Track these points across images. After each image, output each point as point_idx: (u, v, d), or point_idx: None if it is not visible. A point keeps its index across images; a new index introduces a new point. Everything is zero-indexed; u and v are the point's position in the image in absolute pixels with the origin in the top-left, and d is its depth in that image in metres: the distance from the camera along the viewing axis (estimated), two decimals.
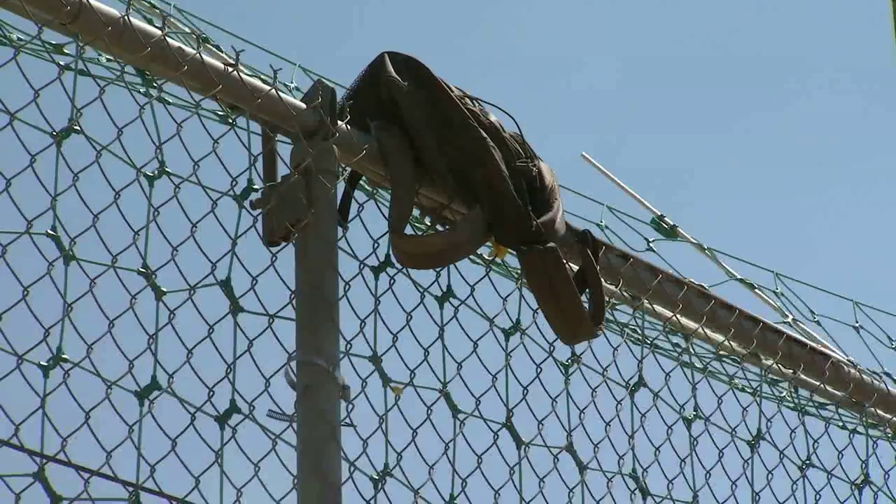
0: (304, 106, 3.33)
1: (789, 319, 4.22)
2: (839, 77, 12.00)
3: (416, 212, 3.57)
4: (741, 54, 11.85)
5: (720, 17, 11.97)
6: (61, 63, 3.20)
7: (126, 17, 3.12)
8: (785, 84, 12.00)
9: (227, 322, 3.23)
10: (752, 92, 12.01)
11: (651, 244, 4.15)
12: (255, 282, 3.28)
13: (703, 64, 12.32)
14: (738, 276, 4.27)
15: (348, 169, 3.45)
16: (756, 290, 4.14)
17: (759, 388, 4.31)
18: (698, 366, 4.16)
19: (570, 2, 11.83)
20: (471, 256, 3.59)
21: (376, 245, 3.46)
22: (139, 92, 3.27)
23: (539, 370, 3.73)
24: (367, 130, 3.44)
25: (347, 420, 3.37)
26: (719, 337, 4.12)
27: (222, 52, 3.41)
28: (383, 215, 3.48)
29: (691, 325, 4.06)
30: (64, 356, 2.95)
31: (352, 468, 3.37)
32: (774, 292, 4.35)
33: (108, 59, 3.29)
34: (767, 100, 12.13)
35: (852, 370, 4.37)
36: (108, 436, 3.08)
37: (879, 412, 4.45)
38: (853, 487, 4.49)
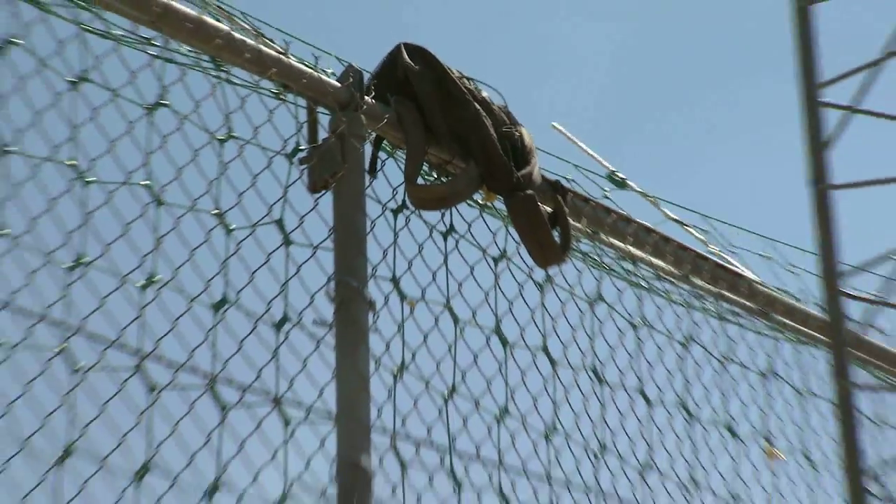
0: (338, 84, 3.37)
1: (714, 249, 4.29)
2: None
3: (425, 167, 3.61)
4: None
5: None
6: (151, 52, 3.21)
7: (202, 17, 3.16)
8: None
9: (281, 252, 3.27)
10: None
11: (606, 193, 4.16)
12: (301, 221, 3.33)
13: None
14: (674, 217, 4.27)
15: (374, 133, 3.48)
16: (686, 228, 4.25)
17: (689, 302, 4.34)
18: (644, 285, 4.20)
19: None
20: (467, 201, 3.64)
21: (395, 192, 3.50)
22: (211, 74, 3.31)
23: (521, 289, 3.77)
24: (388, 104, 3.49)
25: (374, 327, 3.40)
26: (661, 262, 4.16)
27: (274, 43, 3.40)
28: (400, 169, 3.53)
29: (638, 253, 4.10)
30: (154, 279, 3.02)
31: (377, 364, 3.43)
32: (702, 229, 4.36)
33: (189, 49, 3.31)
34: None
35: (761, 287, 4.40)
36: (191, 340, 3.16)
37: (783, 318, 4.48)
38: (761, 376, 4.51)
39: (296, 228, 3.30)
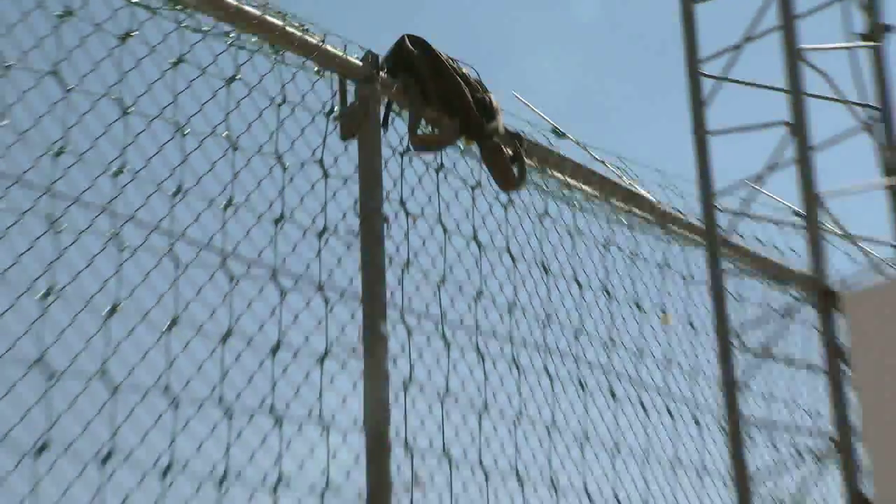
0: (360, 64, 3.37)
1: (626, 180, 4.19)
2: None
3: (423, 122, 3.57)
4: None
5: None
6: (228, 41, 3.23)
7: (263, 16, 3.17)
8: None
9: (321, 183, 3.28)
10: None
11: (550, 142, 4.04)
12: (335, 161, 3.34)
13: None
14: (598, 158, 4.18)
15: (386, 99, 3.45)
16: (607, 165, 4.17)
17: (609, 216, 4.22)
18: (577, 205, 4.11)
19: None
20: (452, 146, 3.63)
21: (401, 140, 3.50)
22: (272, 59, 3.29)
23: (490, 207, 3.75)
24: (396, 77, 3.48)
25: (388, 234, 3.39)
26: (588, 188, 4.09)
27: (315, 35, 3.34)
28: (405, 124, 3.51)
29: (573, 182, 4.02)
30: (232, 202, 3.08)
31: (390, 262, 3.40)
32: (619, 167, 4.24)
33: (254, 41, 3.28)
34: None
35: (659, 205, 4.28)
36: (262, 241, 3.19)
37: (674, 227, 4.36)
38: (658, 267, 4.35)
39: (332, 166, 3.34)
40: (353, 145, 3.36)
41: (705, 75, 4.05)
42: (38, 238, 2.62)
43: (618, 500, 3.81)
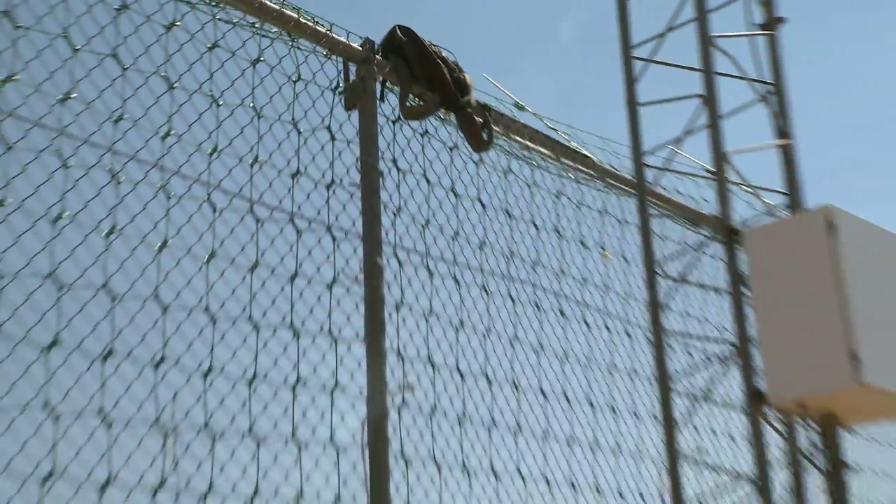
0: (360, 49, 3.34)
1: (574, 144, 4.16)
2: None
3: (411, 96, 3.53)
4: None
5: None
6: (251, 30, 3.18)
7: (282, 9, 3.14)
8: None
9: (329, 145, 3.28)
10: None
11: (513, 113, 4.00)
12: (340, 127, 3.32)
13: None
14: (551, 126, 4.12)
15: (381, 77, 3.41)
16: (559, 132, 4.13)
17: (560, 173, 4.20)
18: (535, 163, 4.08)
19: None
20: (434, 116, 3.60)
21: (394, 110, 3.48)
22: (289, 45, 3.26)
23: (465, 164, 3.74)
24: (389, 60, 3.44)
25: (382, 186, 3.35)
26: (543, 150, 4.05)
27: (323, 26, 3.31)
28: (396, 98, 3.47)
29: (531, 144, 3.99)
30: (260, 160, 3.13)
31: (385, 208, 3.38)
32: (566, 134, 4.17)
33: (274, 31, 3.25)
34: None
35: (599, 163, 4.24)
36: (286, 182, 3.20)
37: (611, 180, 4.33)
38: (599, 213, 4.31)
39: (339, 130, 3.33)
40: (355, 115, 3.34)
41: (636, 58, 4.01)
42: (103, 188, 2.61)
43: (566, 398, 3.79)
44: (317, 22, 3.25)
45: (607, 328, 4.14)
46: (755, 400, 3.54)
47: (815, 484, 3.65)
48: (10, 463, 2.17)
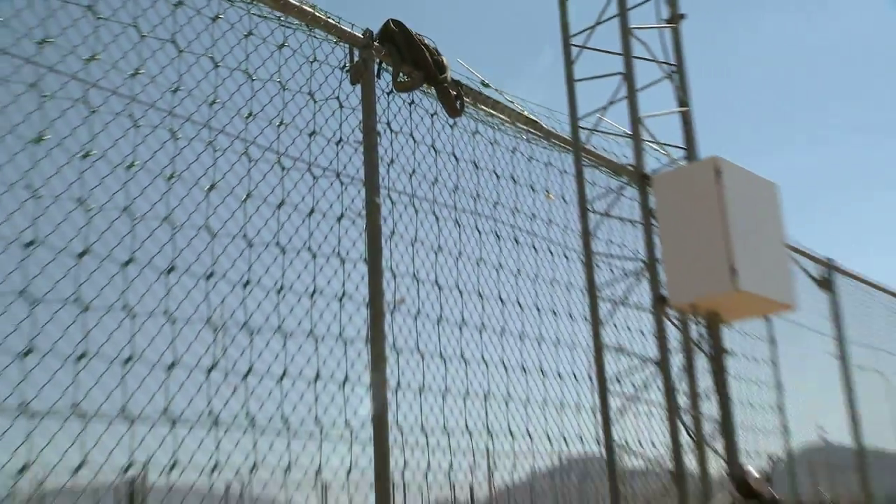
0: (362, 37, 3.27)
1: (528, 114, 4.05)
2: None
3: (401, 74, 3.43)
4: None
5: None
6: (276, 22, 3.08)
7: (301, 5, 3.07)
8: None
9: (338, 111, 3.21)
10: None
11: (482, 88, 3.90)
12: (347, 97, 3.24)
13: None
14: (508, 98, 4.03)
15: (378, 59, 3.35)
16: (515, 105, 4.03)
17: (517, 137, 4.11)
18: (500, 128, 4.01)
19: None
20: (420, 89, 3.53)
21: (388, 85, 3.41)
22: (306, 34, 3.21)
23: (442, 126, 3.68)
24: (384, 45, 3.37)
25: (380, 142, 3.27)
26: (504, 117, 3.98)
27: (333, 18, 3.24)
28: (390, 75, 3.41)
29: (495, 113, 3.93)
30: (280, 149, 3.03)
31: (387, 166, 3.33)
32: (521, 104, 4.06)
33: (298, 22, 3.19)
34: None
35: (550, 129, 4.16)
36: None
37: (555, 141, 4.23)
38: (545, 164, 4.21)
39: (346, 100, 3.26)
40: (358, 88, 3.30)
41: (574, 45, 3.97)
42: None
43: (519, 304, 3.76)
44: (328, 16, 3.21)
45: (550, 252, 4.13)
46: (659, 303, 3.58)
47: (702, 365, 3.69)
48: None
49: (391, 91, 3.44)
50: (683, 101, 3.97)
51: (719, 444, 3.50)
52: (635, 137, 3.76)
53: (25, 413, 2.07)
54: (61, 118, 2.36)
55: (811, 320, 5.60)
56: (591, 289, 3.75)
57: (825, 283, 5.80)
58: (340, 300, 3.01)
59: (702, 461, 3.43)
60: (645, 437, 3.77)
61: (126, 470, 2.24)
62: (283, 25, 3.12)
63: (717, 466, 3.50)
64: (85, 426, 2.17)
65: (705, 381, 3.66)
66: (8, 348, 2.10)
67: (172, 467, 2.37)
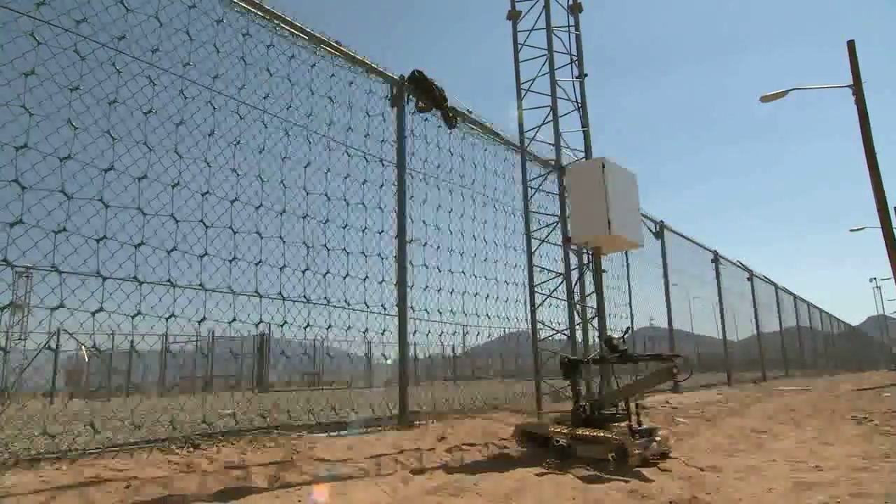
0: (397, 77, 3.42)
1: (486, 121, 4.00)
2: None
3: (420, 103, 3.59)
4: None
5: None
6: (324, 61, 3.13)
7: (348, 51, 3.15)
8: None
9: (382, 124, 3.35)
10: None
11: (466, 111, 3.95)
12: (389, 114, 3.41)
13: None
14: (479, 118, 4.12)
15: (409, 95, 3.48)
16: (483, 122, 3.99)
17: (484, 139, 4.15)
18: (479, 136, 4.11)
19: None
20: (431, 112, 3.63)
21: (414, 110, 3.54)
22: (366, 77, 3.32)
23: (444, 133, 3.85)
24: (412, 84, 3.51)
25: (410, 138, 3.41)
26: (476, 129, 4.07)
27: (367, 60, 3.23)
28: (414, 102, 3.54)
29: (473, 126, 4.01)
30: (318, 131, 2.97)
31: (411, 158, 3.36)
32: (490, 122, 4.17)
33: (338, 64, 3.18)
34: None
35: (503, 133, 4.17)
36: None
37: (511, 144, 4.34)
38: (483, 167, 4.29)
39: (388, 116, 3.44)
40: (395, 110, 3.49)
41: (523, 88, 3.95)
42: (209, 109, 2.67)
43: (495, 243, 3.95)
44: (377, 64, 3.38)
45: (505, 212, 4.37)
46: (566, 240, 3.83)
47: (589, 278, 3.91)
48: None
49: (414, 112, 3.71)
50: (585, 123, 4.05)
51: (596, 322, 3.78)
52: (556, 144, 3.92)
53: (201, 290, 2.37)
54: None
55: (649, 255, 6.28)
56: (528, 232, 3.96)
57: (658, 234, 6.38)
58: (380, 234, 3.34)
59: (585, 332, 3.70)
60: (555, 318, 4.00)
61: (257, 325, 2.65)
62: (350, 71, 3.39)
63: (594, 336, 3.74)
64: (233, 300, 2.61)
65: (590, 287, 3.83)
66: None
67: (282, 325, 2.82)
